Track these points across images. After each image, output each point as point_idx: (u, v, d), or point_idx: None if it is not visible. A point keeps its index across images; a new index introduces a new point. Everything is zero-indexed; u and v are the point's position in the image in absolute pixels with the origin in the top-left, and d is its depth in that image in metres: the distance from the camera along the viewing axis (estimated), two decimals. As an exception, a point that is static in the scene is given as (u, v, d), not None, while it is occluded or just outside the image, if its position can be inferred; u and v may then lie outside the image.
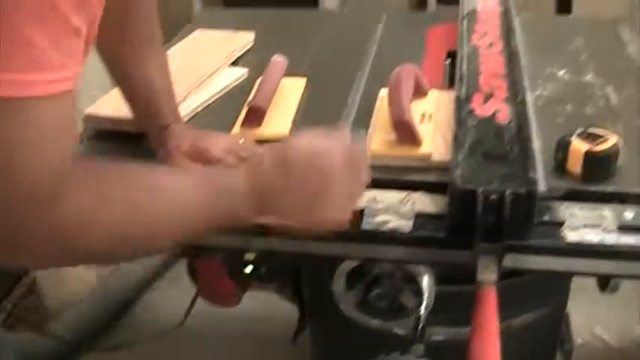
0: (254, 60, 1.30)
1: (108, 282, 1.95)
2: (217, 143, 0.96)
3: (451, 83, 1.17)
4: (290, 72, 1.18)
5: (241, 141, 0.97)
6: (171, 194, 0.70)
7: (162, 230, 0.69)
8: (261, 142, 1.02)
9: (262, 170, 0.75)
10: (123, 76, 0.98)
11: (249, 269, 1.11)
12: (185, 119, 1.09)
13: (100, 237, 0.63)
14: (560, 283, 1.14)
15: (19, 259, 0.64)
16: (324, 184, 0.75)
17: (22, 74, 0.54)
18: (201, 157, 0.94)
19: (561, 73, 1.21)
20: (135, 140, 1.02)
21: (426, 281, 0.92)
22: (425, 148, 0.97)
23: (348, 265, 0.95)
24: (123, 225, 0.64)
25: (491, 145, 0.90)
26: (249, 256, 1.10)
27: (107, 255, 0.67)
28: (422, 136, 0.98)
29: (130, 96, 0.99)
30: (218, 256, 1.14)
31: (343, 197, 0.77)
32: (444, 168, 0.92)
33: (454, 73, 1.16)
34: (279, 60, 1.16)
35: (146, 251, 0.74)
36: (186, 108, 1.11)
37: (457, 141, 0.89)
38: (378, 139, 1.00)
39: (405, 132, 0.98)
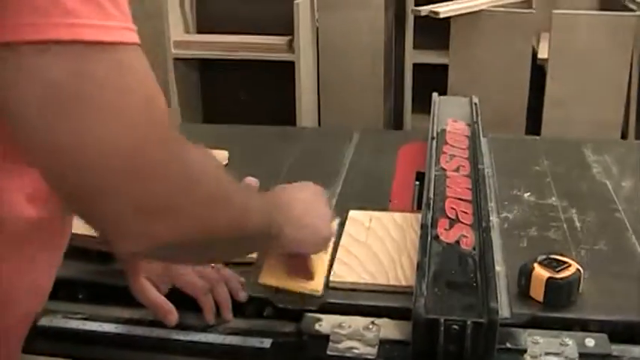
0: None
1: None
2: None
3: (419, 206, 1.19)
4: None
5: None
6: (245, 196, 0.78)
7: (239, 226, 0.74)
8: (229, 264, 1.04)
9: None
10: None
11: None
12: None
13: (202, 197, 0.66)
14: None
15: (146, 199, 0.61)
16: (310, 214, 0.91)
17: (117, 21, 0.57)
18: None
19: (526, 195, 1.24)
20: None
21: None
22: (315, 285, 0.97)
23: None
24: (216, 199, 0.69)
25: (455, 273, 0.92)
26: None
27: (197, 225, 0.66)
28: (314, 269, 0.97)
29: None
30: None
31: (326, 217, 0.94)
32: (406, 292, 0.95)
33: (422, 195, 1.19)
34: (251, 181, 1.18)
35: (213, 240, 0.72)
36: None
37: (421, 269, 0.91)
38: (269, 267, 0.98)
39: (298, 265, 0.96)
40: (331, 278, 1.00)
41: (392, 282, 0.99)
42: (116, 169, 0.57)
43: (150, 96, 0.60)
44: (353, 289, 0.99)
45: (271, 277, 0.96)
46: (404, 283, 0.98)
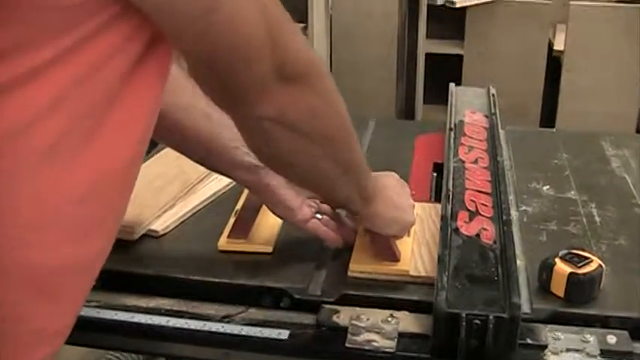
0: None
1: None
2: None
3: (437, 197, 1.18)
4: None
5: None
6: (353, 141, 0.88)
7: (346, 159, 0.87)
8: (246, 253, 1.04)
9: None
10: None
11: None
12: (172, 227, 1.10)
13: (330, 86, 0.79)
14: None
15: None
16: (400, 198, 1.00)
17: None
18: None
19: (545, 189, 1.23)
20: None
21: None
22: (403, 265, 0.99)
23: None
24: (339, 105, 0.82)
25: (476, 266, 0.91)
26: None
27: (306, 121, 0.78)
28: (400, 252, 1.00)
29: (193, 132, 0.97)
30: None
31: (411, 203, 1.02)
32: (425, 282, 0.95)
33: (440, 186, 1.18)
34: (267, 170, 1.18)
35: (319, 161, 0.84)
36: (174, 216, 1.12)
37: (442, 262, 0.90)
38: (359, 256, 1.01)
39: (384, 249, 1.00)
40: (350, 267, 1.00)
41: (412, 272, 0.99)
42: (260, 39, 0.68)
43: None
44: (372, 279, 0.98)
45: (360, 265, 0.99)
46: (423, 273, 0.98)
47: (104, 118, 0.64)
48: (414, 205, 1.04)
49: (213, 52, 0.67)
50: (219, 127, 0.95)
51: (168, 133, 0.94)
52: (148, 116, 0.70)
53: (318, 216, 1.01)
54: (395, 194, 0.99)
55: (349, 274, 0.99)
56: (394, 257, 0.99)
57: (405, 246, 1.02)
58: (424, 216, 1.11)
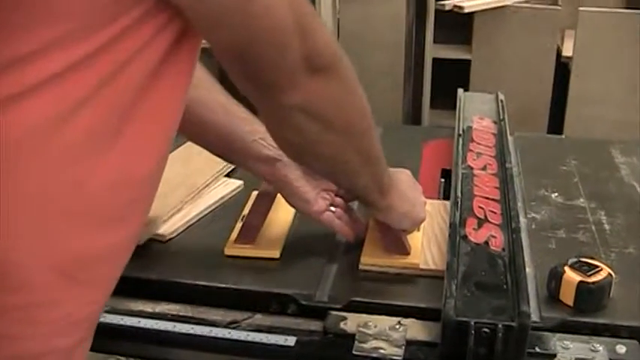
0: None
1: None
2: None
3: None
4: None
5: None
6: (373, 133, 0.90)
7: (367, 149, 0.90)
8: (253, 258, 1.04)
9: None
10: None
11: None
12: (179, 231, 1.10)
13: (353, 80, 0.83)
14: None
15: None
16: (413, 193, 1.03)
17: None
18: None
19: (554, 196, 1.22)
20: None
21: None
22: (413, 258, 1.02)
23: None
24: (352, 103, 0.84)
25: (485, 274, 0.90)
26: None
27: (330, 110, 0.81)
28: (410, 246, 1.03)
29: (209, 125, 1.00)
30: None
31: (422, 199, 1.05)
32: (435, 276, 0.98)
33: (448, 192, 1.17)
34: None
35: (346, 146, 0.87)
36: (181, 219, 1.12)
37: (450, 269, 0.89)
38: (370, 249, 1.04)
39: (395, 242, 1.02)
40: (362, 260, 1.02)
41: (422, 266, 1.01)
42: (291, 30, 0.70)
43: None
44: (383, 272, 1.01)
45: (371, 258, 1.02)
46: (433, 267, 1.00)
47: (135, 109, 0.67)
48: (425, 202, 1.06)
49: (248, 42, 0.70)
50: (238, 121, 0.99)
51: (190, 126, 0.94)
52: (175, 108, 0.74)
53: (332, 209, 1.03)
54: (408, 189, 1.02)
55: (360, 267, 1.01)
56: (405, 250, 1.02)
57: (415, 240, 1.05)
58: (433, 213, 1.13)
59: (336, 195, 1.03)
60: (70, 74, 0.62)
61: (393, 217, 1.00)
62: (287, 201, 1.03)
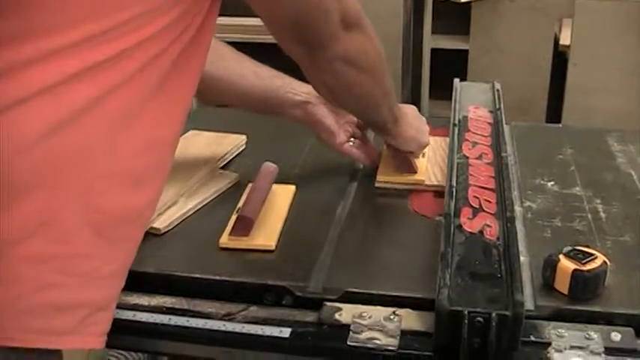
0: (245, 164, 1.31)
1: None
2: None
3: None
4: (280, 178, 1.18)
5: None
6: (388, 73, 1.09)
7: (385, 91, 1.10)
8: (248, 250, 1.04)
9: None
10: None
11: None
12: (173, 225, 1.10)
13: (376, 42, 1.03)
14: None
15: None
16: (418, 122, 1.26)
17: None
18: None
19: (550, 184, 1.22)
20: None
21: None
22: (419, 176, 1.23)
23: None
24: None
25: (479, 263, 0.90)
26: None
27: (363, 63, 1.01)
28: (417, 166, 1.24)
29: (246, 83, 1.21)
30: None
31: (426, 128, 1.28)
32: (438, 190, 1.19)
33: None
34: (270, 167, 1.17)
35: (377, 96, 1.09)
36: (176, 212, 1.12)
37: (444, 259, 0.89)
38: (384, 170, 1.26)
39: (404, 163, 1.24)
40: (377, 178, 1.24)
41: (427, 182, 1.22)
42: None
43: None
44: (396, 189, 1.22)
45: (385, 176, 1.24)
46: (436, 182, 1.22)
47: (162, 87, 0.79)
48: (428, 130, 1.27)
49: (304, 12, 0.89)
50: (269, 79, 1.21)
51: (226, 94, 1.21)
52: (195, 79, 0.86)
53: (352, 141, 1.25)
54: (414, 119, 1.24)
55: (376, 184, 1.23)
56: (413, 169, 1.24)
57: (421, 164, 1.27)
58: (435, 146, 1.34)
59: (356, 126, 1.24)
60: (110, 64, 0.74)
61: (402, 141, 1.21)
62: (317, 136, 1.24)
